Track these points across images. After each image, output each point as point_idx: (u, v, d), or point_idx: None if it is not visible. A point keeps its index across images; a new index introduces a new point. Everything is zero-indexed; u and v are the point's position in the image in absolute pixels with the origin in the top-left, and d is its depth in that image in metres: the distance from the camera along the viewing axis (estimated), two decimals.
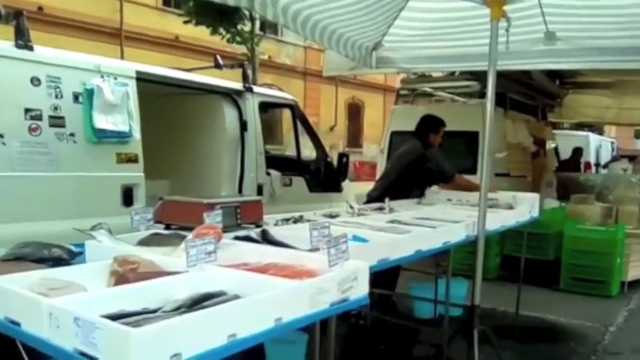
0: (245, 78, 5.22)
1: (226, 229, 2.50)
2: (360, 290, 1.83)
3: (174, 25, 15.49)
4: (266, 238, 2.53)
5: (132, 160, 3.99)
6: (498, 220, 4.03)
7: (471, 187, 5.00)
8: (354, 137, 28.29)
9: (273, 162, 5.58)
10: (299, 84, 25.53)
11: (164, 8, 18.57)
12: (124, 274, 1.69)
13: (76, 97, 3.70)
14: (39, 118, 3.49)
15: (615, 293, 6.58)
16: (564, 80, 10.50)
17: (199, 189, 4.84)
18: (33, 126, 3.46)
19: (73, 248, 2.35)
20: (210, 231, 2.09)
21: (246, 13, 12.47)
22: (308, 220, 3.26)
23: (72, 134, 3.65)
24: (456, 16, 5.03)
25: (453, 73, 9.17)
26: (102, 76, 3.83)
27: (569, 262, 6.72)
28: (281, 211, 4.17)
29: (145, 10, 18.46)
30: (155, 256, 1.97)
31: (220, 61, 5.39)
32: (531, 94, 9.71)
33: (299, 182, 5.75)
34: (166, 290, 1.60)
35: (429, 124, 5.61)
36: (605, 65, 5.52)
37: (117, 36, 18.55)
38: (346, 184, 6.37)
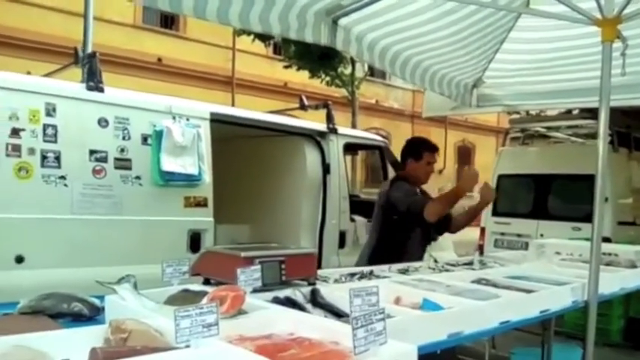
0: (329, 119, 4.95)
1: (267, 287, 2.15)
2: None
3: (283, 72, 15.82)
4: (314, 300, 2.14)
5: (201, 204, 3.80)
6: (616, 282, 3.33)
7: (449, 201, 3.67)
8: None
9: (359, 207, 5.20)
10: (407, 127, 25.10)
11: (274, 56, 19.08)
12: (96, 350, 1.38)
13: (144, 139, 3.60)
14: (104, 160, 3.41)
15: None
16: None
17: (278, 235, 4.57)
18: (97, 168, 3.38)
19: (96, 302, 2.12)
20: (230, 293, 1.75)
21: (347, 56, 12.43)
22: (377, 276, 2.84)
23: (138, 177, 3.54)
24: (565, 45, 4.46)
25: (569, 112, 8.41)
26: (173, 117, 3.71)
27: None
28: None
29: (255, 58, 19.08)
30: (165, 322, 1.65)
31: (305, 102, 5.18)
32: None
33: None
34: None
35: (408, 147, 4.09)
36: None
37: (229, 84, 19.31)
38: None
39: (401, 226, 3.76)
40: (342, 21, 3.84)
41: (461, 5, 3.76)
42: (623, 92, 4.32)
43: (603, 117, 3.01)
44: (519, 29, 4.45)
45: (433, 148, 4.06)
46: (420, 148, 4.01)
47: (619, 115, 6.87)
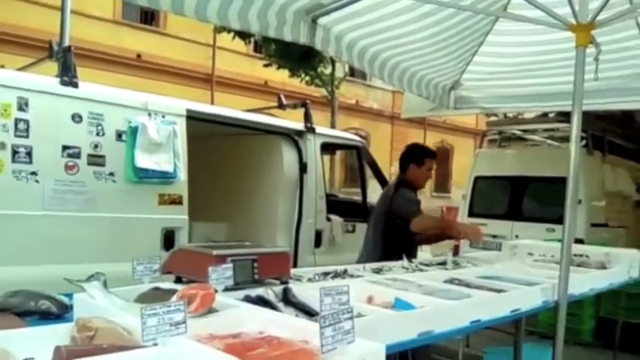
0: (307, 118, 4.95)
1: (239, 286, 2.15)
2: None
3: (264, 70, 15.75)
4: (286, 299, 2.14)
5: (175, 201, 3.77)
6: (586, 283, 3.38)
7: (439, 226, 4.10)
8: (442, 182, 27.35)
9: (336, 206, 5.22)
10: (387, 128, 25.22)
11: (254, 55, 18.98)
12: (60, 348, 1.36)
13: (119, 135, 3.56)
14: (77, 155, 3.36)
15: None
16: None
17: (254, 234, 4.57)
18: (70, 164, 3.33)
19: (65, 300, 2.08)
20: (200, 292, 1.73)
21: (327, 56, 12.45)
22: (351, 276, 2.85)
23: (111, 173, 3.49)
24: (541, 50, 4.53)
25: (546, 115, 8.52)
26: (149, 114, 3.67)
27: None
28: (342, 260, 3.83)
29: (236, 56, 18.95)
30: (134, 320, 1.63)
31: (284, 101, 5.17)
32: (635, 138, 8.80)
33: (364, 229, 5.31)
34: None
35: (410, 153, 4.25)
36: None
37: (209, 81, 19.18)
38: None
39: (405, 228, 3.89)
40: (322, 20, 3.83)
41: (439, 8, 3.78)
42: (597, 97, 4.40)
43: (576, 121, 3.06)
44: (497, 33, 4.49)
45: (434, 155, 4.31)
46: (422, 155, 4.20)
47: (593, 119, 6.98)
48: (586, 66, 3.08)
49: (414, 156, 4.19)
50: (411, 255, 3.79)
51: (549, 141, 9.11)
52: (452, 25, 4.11)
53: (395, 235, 3.95)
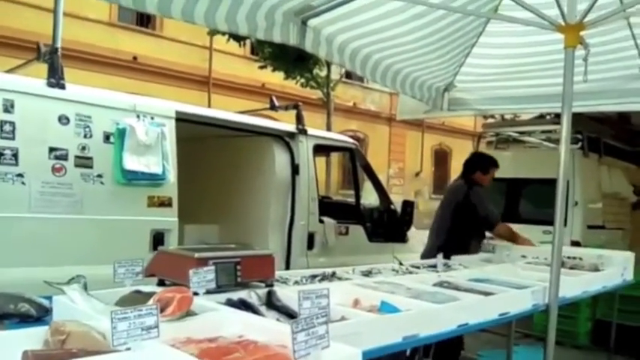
0: (299, 120, 4.92)
1: (222, 289, 2.12)
2: None
3: (261, 72, 15.69)
4: (270, 302, 2.11)
5: (165, 203, 3.73)
6: (579, 285, 3.36)
7: (512, 239, 4.53)
8: (441, 184, 27.29)
9: (329, 209, 5.18)
10: (384, 130, 25.19)
11: (250, 57, 18.93)
12: (27, 352, 1.33)
13: (107, 137, 3.53)
14: (64, 157, 3.33)
15: None
16: None
17: (247, 236, 4.55)
18: (57, 166, 3.30)
19: (45, 303, 2.06)
20: (177, 295, 1.71)
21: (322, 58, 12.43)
22: (339, 278, 2.82)
23: (99, 175, 3.46)
24: (533, 51, 4.50)
25: (543, 117, 8.48)
26: (137, 116, 3.64)
27: None
28: (335, 263, 3.83)
29: (232, 58, 18.91)
30: (109, 324, 1.60)
31: (276, 102, 5.14)
32: (631, 139, 8.76)
33: (357, 231, 5.30)
34: None
35: (478, 162, 4.86)
36: None
37: (205, 83, 19.13)
38: (415, 233, 5.85)
39: (468, 219, 4.47)
40: (312, 22, 3.80)
41: (430, 9, 3.76)
42: (588, 99, 4.38)
43: (565, 122, 3.04)
44: (489, 34, 4.47)
45: (497, 165, 4.85)
46: (488, 165, 4.75)
47: (587, 120, 6.95)
48: (576, 67, 3.06)
49: (482, 165, 4.73)
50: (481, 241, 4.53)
51: (546, 143, 9.08)
52: (443, 26, 4.09)
53: (469, 225, 4.44)
